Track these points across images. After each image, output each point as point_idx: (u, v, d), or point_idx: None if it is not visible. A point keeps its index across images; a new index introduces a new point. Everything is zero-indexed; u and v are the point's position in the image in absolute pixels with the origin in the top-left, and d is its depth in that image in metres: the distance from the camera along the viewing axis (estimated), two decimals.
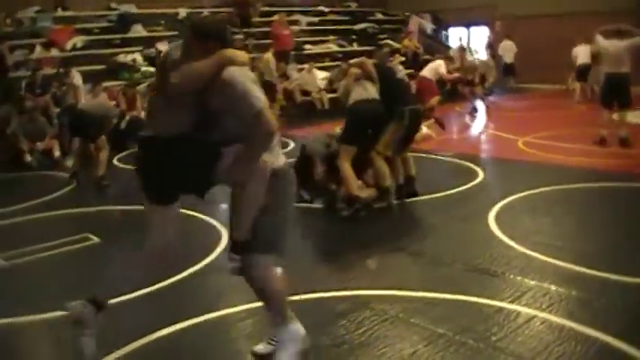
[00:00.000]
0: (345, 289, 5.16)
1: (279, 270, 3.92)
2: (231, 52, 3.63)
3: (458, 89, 17.35)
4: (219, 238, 6.63)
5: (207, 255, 6.09)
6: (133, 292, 4.81)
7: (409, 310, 4.70)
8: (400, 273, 5.61)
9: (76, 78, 12.99)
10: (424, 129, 11.86)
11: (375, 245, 6.38)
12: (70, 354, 4.22)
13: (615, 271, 5.29)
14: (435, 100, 13.40)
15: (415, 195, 7.92)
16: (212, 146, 3.60)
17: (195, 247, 6.35)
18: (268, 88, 14.94)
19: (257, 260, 3.74)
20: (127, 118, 12.88)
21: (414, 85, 12.46)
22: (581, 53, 16.82)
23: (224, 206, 8.14)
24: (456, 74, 15.78)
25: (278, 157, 3.81)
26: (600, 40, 10.78)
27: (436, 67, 13.92)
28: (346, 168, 7.28)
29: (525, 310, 4.65)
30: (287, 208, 3.89)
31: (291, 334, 3.81)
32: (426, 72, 13.91)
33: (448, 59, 15.38)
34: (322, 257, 6.36)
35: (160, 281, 5.33)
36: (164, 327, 4.53)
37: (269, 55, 15.84)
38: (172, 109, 3.60)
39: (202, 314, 4.78)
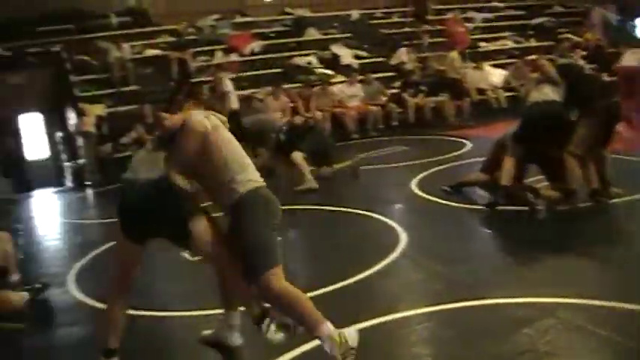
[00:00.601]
0: (529, 295, 4.94)
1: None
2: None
3: None
4: (397, 239, 6.61)
5: (385, 256, 6.09)
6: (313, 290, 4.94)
7: (596, 321, 4.38)
8: (589, 280, 5.29)
9: (228, 84, 13.36)
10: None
11: (560, 250, 6.06)
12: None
13: None
14: None
15: (607, 198, 7.29)
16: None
17: (373, 249, 6.42)
18: (454, 84, 15.03)
19: (265, 280, 3.84)
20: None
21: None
22: None
23: (400, 207, 8.19)
24: None
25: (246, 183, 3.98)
26: None
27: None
28: (507, 161, 7.20)
29: None
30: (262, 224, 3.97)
31: (327, 333, 3.78)
32: (633, 61, 13.08)
33: None
34: (506, 261, 6.15)
35: (338, 281, 5.45)
36: (344, 326, 4.54)
37: (454, 54, 15.77)
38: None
39: (380, 316, 4.76)
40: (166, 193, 3.83)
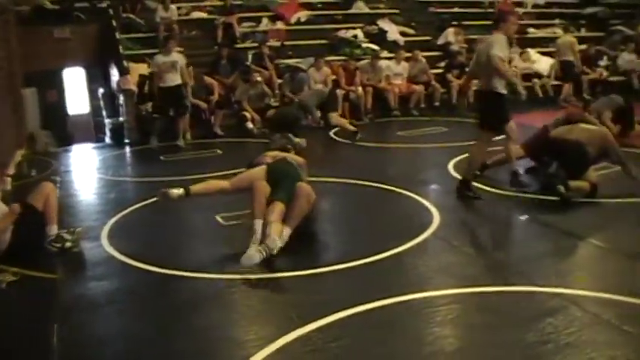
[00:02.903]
0: (558, 285, 4.92)
1: None
2: None
3: None
4: (431, 219, 6.61)
5: (418, 235, 6.11)
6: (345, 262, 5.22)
7: (623, 317, 4.35)
8: (619, 276, 5.23)
9: None
10: None
11: (594, 243, 6.04)
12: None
13: None
14: None
15: None
16: None
17: (407, 227, 6.45)
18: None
19: None
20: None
21: None
22: None
23: (436, 187, 8.16)
24: None
25: None
26: None
27: None
28: None
29: None
30: None
31: None
32: None
33: None
34: (537, 250, 5.98)
35: (374, 254, 5.55)
36: (371, 301, 4.60)
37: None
38: None
39: (409, 293, 4.80)
40: None
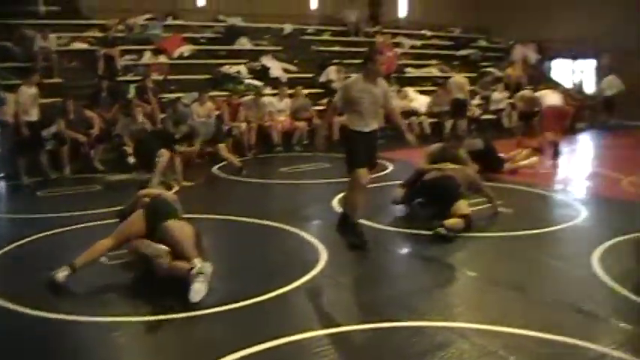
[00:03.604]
0: (445, 319, 5.10)
1: None
2: None
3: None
4: (318, 257, 6.68)
5: (305, 273, 6.14)
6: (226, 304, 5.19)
7: (510, 347, 4.57)
8: (501, 307, 5.47)
9: None
10: (528, 161, 11.83)
11: (478, 276, 6.30)
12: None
13: None
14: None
15: None
16: None
17: (293, 265, 6.50)
18: None
19: None
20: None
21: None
22: None
23: (322, 224, 8.26)
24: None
25: None
26: None
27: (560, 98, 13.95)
28: None
29: (630, 359, 4.48)
30: None
31: None
32: (554, 100, 13.78)
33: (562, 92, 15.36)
34: (424, 284, 6.20)
35: (261, 294, 5.51)
36: (258, 343, 4.57)
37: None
38: None
39: (298, 333, 4.78)
40: None
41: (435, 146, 9.51)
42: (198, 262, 5.46)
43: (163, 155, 10.05)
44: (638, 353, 4.54)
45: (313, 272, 6.20)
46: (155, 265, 5.68)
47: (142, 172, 10.29)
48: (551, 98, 13.94)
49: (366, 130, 7.03)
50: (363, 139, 7.00)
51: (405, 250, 7.42)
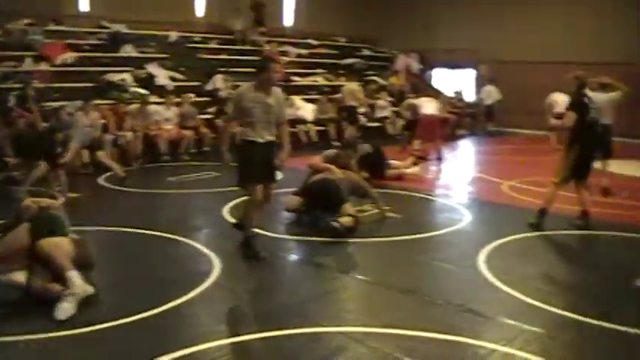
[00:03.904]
0: (340, 324, 5.16)
1: None
2: None
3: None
4: (210, 266, 6.61)
5: (198, 284, 6.05)
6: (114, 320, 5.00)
7: (404, 349, 4.69)
8: (394, 311, 5.59)
9: None
10: (414, 167, 12.16)
11: (370, 279, 6.40)
12: None
13: (607, 318, 5.35)
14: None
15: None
16: None
17: (185, 276, 6.36)
18: None
19: None
20: None
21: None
22: (560, 101, 16.77)
23: (214, 233, 8.19)
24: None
25: None
26: (587, 92, 11.03)
27: (440, 107, 14.43)
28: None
29: (519, 354, 4.68)
30: None
31: None
32: (430, 109, 14.20)
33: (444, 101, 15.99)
34: (318, 290, 6.24)
35: (152, 307, 5.37)
36: (151, 358, 4.48)
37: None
38: None
39: (192, 345, 4.71)
40: None
41: (330, 151, 9.69)
42: (74, 279, 5.31)
43: (39, 167, 9.81)
44: (524, 348, 4.76)
45: (207, 283, 6.12)
46: (31, 286, 5.46)
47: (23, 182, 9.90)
48: (427, 107, 14.40)
49: (260, 140, 6.87)
50: (256, 151, 6.86)
51: (297, 258, 7.45)
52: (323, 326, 5.11)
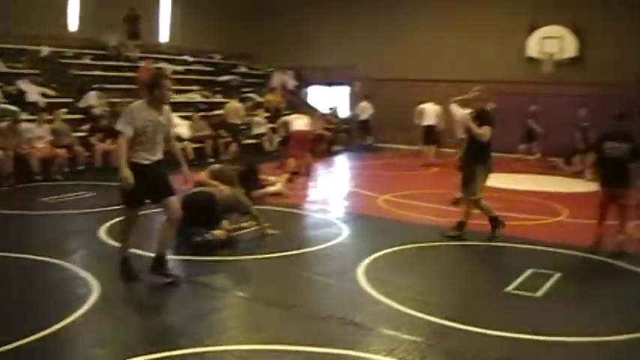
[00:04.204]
0: (223, 343, 5.18)
1: None
2: None
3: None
4: (88, 290, 6.41)
5: (76, 308, 5.84)
6: None
7: None
8: (276, 326, 5.67)
9: None
10: (277, 185, 12.17)
11: (247, 299, 6.45)
12: None
13: (479, 323, 5.66)
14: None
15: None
16: None
17: (60, 301, 6.17)
18: None
19: None
20: None
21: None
22: (428, 115, 17.38)
23: (91, 255, 7.98)
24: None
25: None
26: (456, 109, 11.60)
27: (312, 123, 14.61)
28: None
29: None
30: None
31: None
32: (300, 125, 14.38)
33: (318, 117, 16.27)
34: (197, 311, 6.12)
35: (25, 336, 5.12)
36: None
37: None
38: None
39: None
40: None
41: (215, 166, 9.75)
42: None
43: None
44: (404, 358, 4.95)
45: (85, 306, 5.92)
46: None
47: None
48: (298, 123, 14.59)
49: (148, 162, 6.60)
50: (145, 173, 6.53)
51: (181, 275, 7.31)
52: (207, 346, 5.10)
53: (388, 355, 5.00)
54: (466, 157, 8.99)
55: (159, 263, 6.76)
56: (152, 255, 6.84)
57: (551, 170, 16.86)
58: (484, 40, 20.22)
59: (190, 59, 22.24)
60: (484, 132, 8.63)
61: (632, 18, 18.10)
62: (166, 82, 6.73)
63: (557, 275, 7.27)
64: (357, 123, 21.98)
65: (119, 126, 6.55)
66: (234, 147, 16.20)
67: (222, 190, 8.84)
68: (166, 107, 6.82)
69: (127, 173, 6.37)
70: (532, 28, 19.54)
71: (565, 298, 6.70)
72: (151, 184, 6.58)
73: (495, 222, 8.89)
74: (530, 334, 5.52)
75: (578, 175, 15.31)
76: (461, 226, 8.92)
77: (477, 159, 8.78)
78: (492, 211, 8.94)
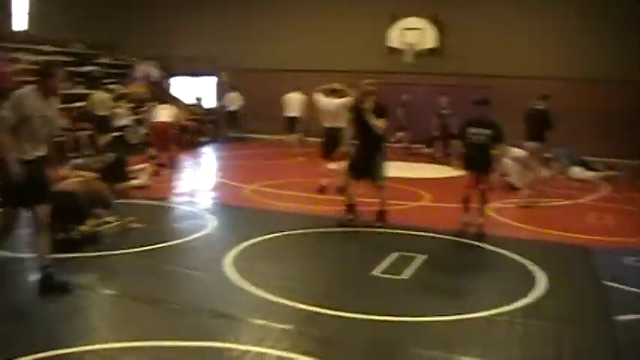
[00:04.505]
0: (89, 343, 5.01)
1: None
2: None
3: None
4: None
5: None
6: None
7: None
8: (144, 323, 5.56)
9: None
10: (141, 177, 11.92)
11: (113, 296, 6.29)
12: None
13: (346, 308, 5.81)
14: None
15: None
16: None
17: None
18: None
19: None
20: None
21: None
22: (290, 105, 17.63)
23: None
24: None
25: None
26: (320, 97, 11.74)
27: (176, 114, 14.25)
28: None
29: (270, 352, 4.89)
30: None
31: None
32: (164, 117, 14.02)
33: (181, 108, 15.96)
34: (63, 311, 5.83)
35: None
36: None
37: None
38: None
39: None
40: None
41: (78, 161, 9.46)
42: None
43: None
44: (275, 346, 4.99)
45: None
46: None
47: None
48: (160, 114, 14.25)
49: (31, 158, 5.99)
50: (28, 169, 5.93)
51: (33, 277, 6.92)
52: (72, 347, 4.91)
53: (259, 344, 5.02)
54: (364, 147, 9.18)
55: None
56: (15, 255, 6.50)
57: (414, 157, 17.39)
58: (348, 30, 20.54)
59: (49, 49, 21.31)
60: (381, 124, 9.00)
61: (488, 12, 18.99)
62: (60, 72, 6.27)
63: (423, 258, 7.53)
64: (225, 114, 21.84)
65: (4, 112, 5.90)
66: (103, 139, 15.66)
67: (88, 181, 8.54)
68: (55, 99, 6.34)
69: (19, 168, 5.83)
70: (394, 19, 20.01)
71: (429, 279, 6.97)
72: (30, 184, 5.99)
73: (351, 210, 9.26)
74: (396, 315, 5.70)
75: (437, 160, 15.90)
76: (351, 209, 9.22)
77: (376, 148, 9.19)
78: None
